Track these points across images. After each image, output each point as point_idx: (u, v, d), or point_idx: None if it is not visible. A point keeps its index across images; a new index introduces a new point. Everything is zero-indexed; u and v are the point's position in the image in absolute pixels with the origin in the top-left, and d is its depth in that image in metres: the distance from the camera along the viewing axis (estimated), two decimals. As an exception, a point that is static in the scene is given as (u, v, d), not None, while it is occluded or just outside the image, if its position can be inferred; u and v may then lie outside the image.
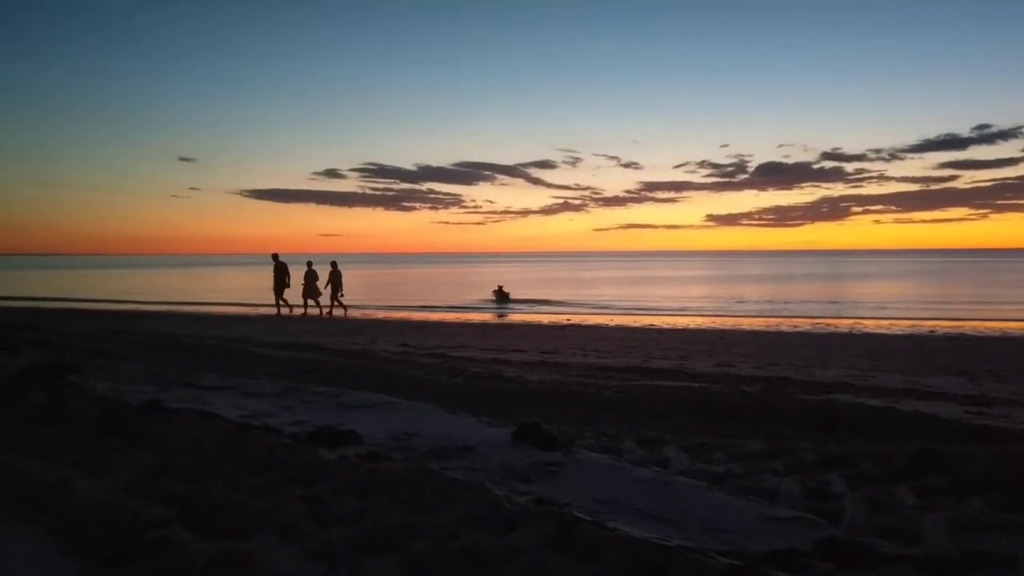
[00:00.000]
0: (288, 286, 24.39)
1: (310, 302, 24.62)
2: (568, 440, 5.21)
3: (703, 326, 22.44)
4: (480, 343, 15.89)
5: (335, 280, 24.86)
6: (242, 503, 4.10)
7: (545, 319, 25.02)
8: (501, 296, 35.36)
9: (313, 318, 23.71)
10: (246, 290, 25.64)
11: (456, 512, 3.65)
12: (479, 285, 45.66)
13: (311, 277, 24.38)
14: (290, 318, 23.55)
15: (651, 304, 32.97)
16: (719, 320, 25.41)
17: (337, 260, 25.17)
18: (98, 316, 24.09)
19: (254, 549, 3.49)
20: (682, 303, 33.88)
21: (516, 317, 26.12)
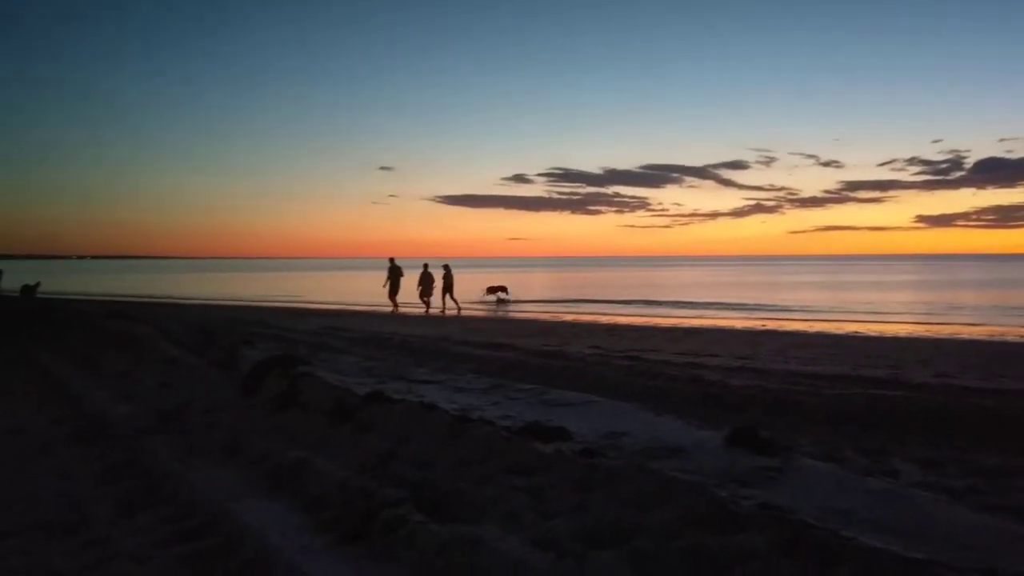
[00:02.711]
0: (399, 288, 27.18)
1: (426, 300, 27.31)
2: (785, 446, 5.04)
3: (914, 334, 20.87)
4: (671, 347, 15.67)
5: (447, 282, 27.35)
6: (466, 490, 4.30)
7: (739, 324, 24.25)
8: (493, 292, 35.13)
9: (429, 317, 25.52)
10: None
11: (678, 511, 3.64)
12: (647, 288, 45.04)
13: (427, 279, 27.23)
14: (397, 316, 25.52)
15: (851, 309, 31.07)
16: (932, 328, 23.52)
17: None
18: (314, 314, 26.09)
19: (483, 534, 3.64)
20: (887, 309, 31.65)
21: (706, 322, 25.47)
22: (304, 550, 3.95)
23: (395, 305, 27.46)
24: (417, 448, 5.10)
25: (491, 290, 35.50)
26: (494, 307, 31.89)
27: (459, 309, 27.45)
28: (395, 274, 27.14)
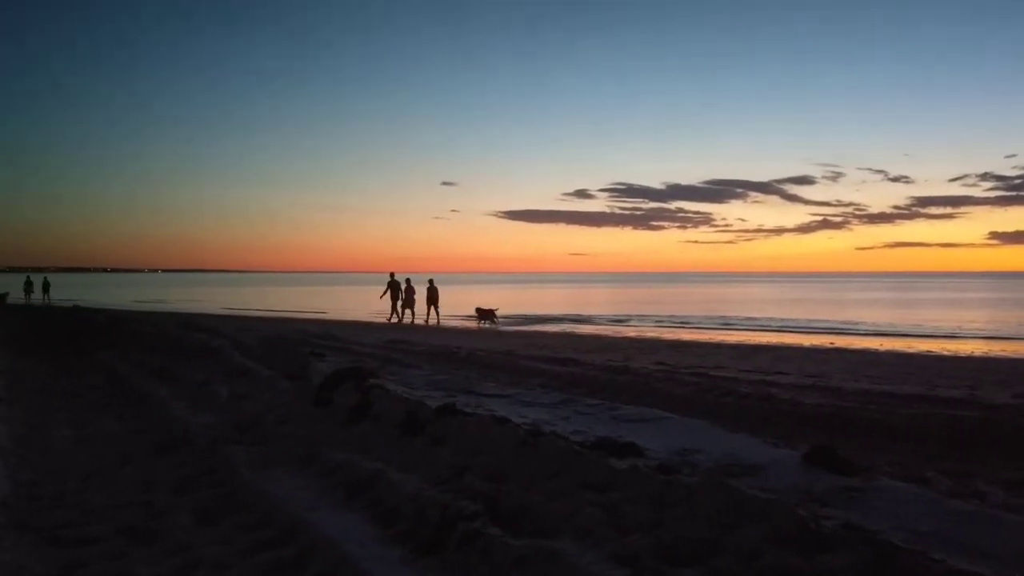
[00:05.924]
0: (397, 299, 29.52)
1: (409, 312, 29.46)
2: (865, 466, 4.92)
3: (990, 353, 20.16)
4: (739, 364, 15.44)
5: (431, 295, 29.58)
6: (541, 504, 4.30)
7: (806, 341, 23.73)
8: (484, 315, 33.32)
9: (408, 326, 27.56)
10: (493, 306, 30.72)
11: (759, 530, 3.58)
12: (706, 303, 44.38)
13: (410, 292, 29.31)
14: (399, 326, 27.69)
15: (922, 328, 30.14)
16: (1009, 347, 22.68)
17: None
18: (378, 327, 26.46)
19: (560, 549, 3.64)
20: (960, 328, 30.58)
21: (773, 339, 25.00)
22: (381, 561, 4.00)
23: (394, 315, 29.72)
24: (490, 461, 5.12)
25: (482, 313, 33.30)
26: (486, 325, 31.20)
27: (439, 321, 29.74)
28: (395, 288, 29.63)
